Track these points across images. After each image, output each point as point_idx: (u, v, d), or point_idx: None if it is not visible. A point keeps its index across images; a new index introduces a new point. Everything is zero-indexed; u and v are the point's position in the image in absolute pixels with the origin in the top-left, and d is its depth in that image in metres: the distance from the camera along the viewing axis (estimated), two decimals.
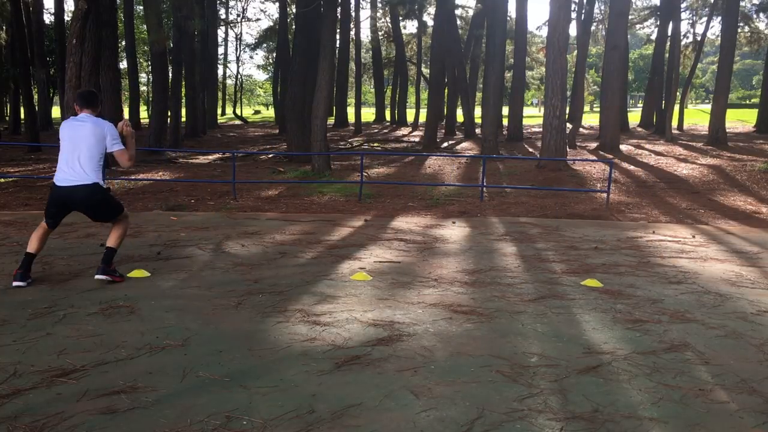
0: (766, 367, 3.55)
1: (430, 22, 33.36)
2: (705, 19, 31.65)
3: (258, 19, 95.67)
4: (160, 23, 19.20)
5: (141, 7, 29.46)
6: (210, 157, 19.07)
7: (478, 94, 41.07)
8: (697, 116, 44.84)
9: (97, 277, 4.97)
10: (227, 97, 65.21)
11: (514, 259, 6.29)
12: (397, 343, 3.81)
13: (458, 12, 36.42)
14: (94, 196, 4.92)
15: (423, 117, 29.95)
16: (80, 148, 4.87)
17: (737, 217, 9.49)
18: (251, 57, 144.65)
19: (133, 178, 13.29)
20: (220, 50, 50.38)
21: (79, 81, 12.77)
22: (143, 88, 41.15)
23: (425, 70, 40.89)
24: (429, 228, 8.10)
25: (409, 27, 44.65)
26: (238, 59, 57.18)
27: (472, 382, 3.26)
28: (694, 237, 7.70)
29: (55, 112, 36.92)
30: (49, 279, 5.13)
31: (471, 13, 36.77)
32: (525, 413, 2.92)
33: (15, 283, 4.85)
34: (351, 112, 38.22)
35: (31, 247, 4.97)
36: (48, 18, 33.46)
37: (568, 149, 17.10)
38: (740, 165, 15.88)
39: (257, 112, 69.94)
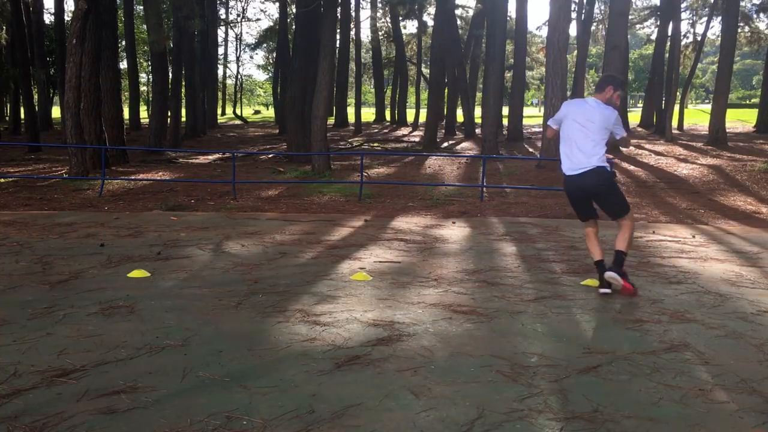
0: (766, 367, 3.54)
1: (430, 22, 33.35)
2: (705, 19, 31.67)
3: (258, 19, 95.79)
4: (160, 23, 19.20)
5: (141, 7, 29.46)
6: (210, 157, 19.08)
7: (478, 94, 41.06)
8: (697, 116, 44.84)
9: (607, 274, 4.90)
10: (227, 97, 65.20)
11: (514, 259, 6.29)
12: (397, 343, 3.81)
13: (458, 12, 36.41)
14: (601, 182, 4.87)
15: (423, 117, 29.94)
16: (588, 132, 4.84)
17: (737, 217, 9.49)
18: (251, 57, 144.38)
19: (133, 178, 13.30)
20: (220, 50, 50.40)
21: (79, 81, 12.78)
22: (143, 88, 41.14)
23: (425, 70, 40.90)
24: (429, 228, 8.10)
25: (409, 27, 44.65)
26: (238, 59, 57.25)
27: (472, 382, 3.26)
28: (694, 237, 7.70)
29: (55, 112, 36.92)
30: (49, 279, 5.13)
31: (471, 13, 36.75)
32: (525, 413, 2.91)
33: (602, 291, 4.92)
34: (351, 112, 38.21)
35: (597, 255, 5.01)
36: (48, 18, 33.49)
37: None
38: (740, 165, 15.87)
39: (257, 112, 69.90)
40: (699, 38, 32.13)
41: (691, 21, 35.81)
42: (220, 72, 51.82)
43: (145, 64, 40.47)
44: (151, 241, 6.79)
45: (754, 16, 32.31)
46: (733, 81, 52.12)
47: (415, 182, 13.35)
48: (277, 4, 33.61)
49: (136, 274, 5.32)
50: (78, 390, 3.08)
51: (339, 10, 20.55)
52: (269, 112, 62.20)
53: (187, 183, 12.90)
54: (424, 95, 38.79)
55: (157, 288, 4.94)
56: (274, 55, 40.19)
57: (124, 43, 30.77)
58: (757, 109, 32.10)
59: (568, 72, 21.15)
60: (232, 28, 52.28)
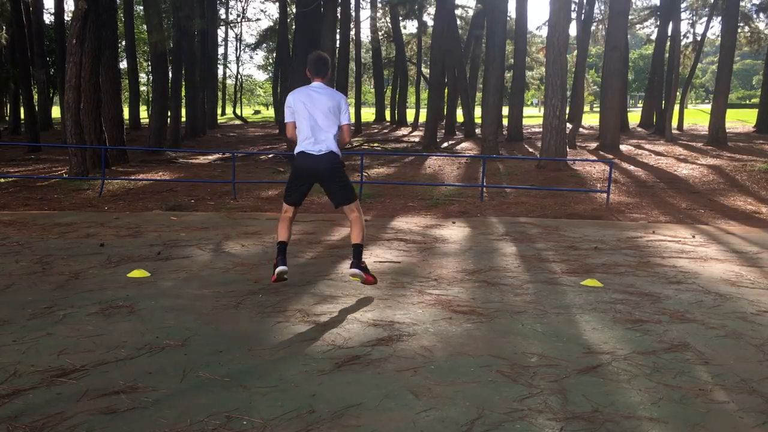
0: (766, 367, 3.54)
1: (430, 22, 33.35)
2: (705, 19, 31.67)
3: (258, 19, 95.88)
4: (161, 23, 19.20)
5: (141, 7, 29.45)
6: (210, 157, 19.07)
7: (478, 94, 41.03)
8: (697, 116, 44.84)
9: (348, 271, 4.85)
10: (227, 97, 65.16)
11: (514, 259, 6.29)
12: (397, 343, 3.81)
13: (458, 12, 36.38)
14: (335, 166, 4.76)
15: (423, 117, 29.93)
16: (321, 117, 4.73)
17: (737, 217, 9.49)
18: (251, 57, 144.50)
19: (133, 178, 13.29)
20: (220, 50, 50.36)
21: (79, 81, 12.77)
22: (143, 88, 41.13)
23: (425, 70, 40.88)
24: (429, 228, 8.10)
25: (409, 27, 44.68)
26: (238, 59, 57.17)
27: (472, 382, 3.26)
28: (694, 237, 7.70)
29: (55, 112, 36.91)
30: (49, 279, 5.13)
31: (471, 13, 36.73)
32: (525, 413, 2.91)
33: (280, 268, 4.66)
34: (351, 111, 38.16)
35: (282, 236, 4.84)
36: (48, 18, 33.48)
37: (568, 149, 17.10)
38: (740, 165, 15.87)
39: (257, 112, 69.93)
40: (699, 38, 32.13)
41: (691, 21, 35.82)
42: (220, 72, 51.77)
43: (145, 64, 40.46)
44: (151, 241, 6.79)
45: (754, 16, 32.29)
46: (733, 81, 52.15)
47: (415, 182, 13.35)
48: (277, 4, 33.61)
49: (136, 274, 5.32)
50: (78, 390, 3.08)
51: (339, 10, 20.55)
52: (269, 112, 62.23)
53: (187, 183, 12.90)
54: (424, 95, 38.74)
55: (157, 288, 4.94)
56: (274, 55, 40.20)
57: (124, 43, 30.77)
58: (757, 109, 32.10)
59: (568, 72, 21.17)
60: (232, 28, 52.30)
